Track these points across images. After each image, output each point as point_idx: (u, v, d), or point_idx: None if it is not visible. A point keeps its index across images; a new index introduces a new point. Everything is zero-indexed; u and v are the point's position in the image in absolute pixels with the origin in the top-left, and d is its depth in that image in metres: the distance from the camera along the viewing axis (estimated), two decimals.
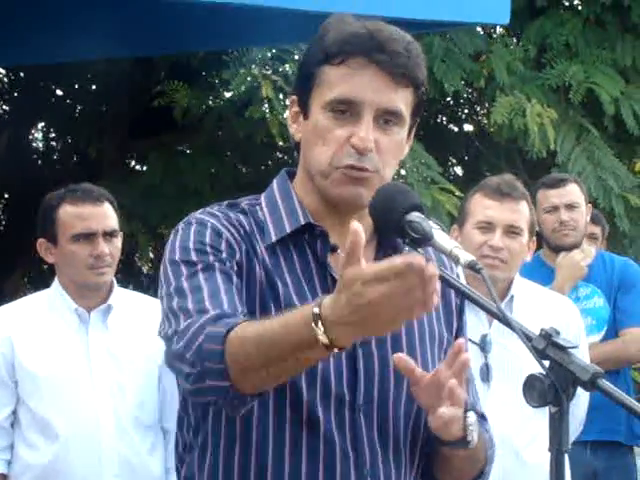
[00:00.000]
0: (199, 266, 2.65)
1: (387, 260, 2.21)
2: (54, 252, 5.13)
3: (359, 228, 2.18)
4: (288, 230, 2.69)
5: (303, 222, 2.70)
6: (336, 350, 2.30)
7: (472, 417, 2.61)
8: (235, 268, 2.69)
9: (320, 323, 2.25)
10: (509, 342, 4.46)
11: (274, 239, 2.70)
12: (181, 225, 2.80)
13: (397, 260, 2.16)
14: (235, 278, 2.69)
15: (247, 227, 2.79)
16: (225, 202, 2.85)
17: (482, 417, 2.94)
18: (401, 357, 2.52)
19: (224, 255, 2.68)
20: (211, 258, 2.65)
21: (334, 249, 2.68)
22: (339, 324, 2.25)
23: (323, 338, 2.24)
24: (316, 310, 2.25)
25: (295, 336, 2.35)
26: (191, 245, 2.67)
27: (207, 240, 2.68)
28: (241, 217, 2.79)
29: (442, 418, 2.47)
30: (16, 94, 14.85)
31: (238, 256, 2.70)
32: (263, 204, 2.78)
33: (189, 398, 2.70)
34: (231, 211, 2.82)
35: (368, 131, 2.58)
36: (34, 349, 5.00)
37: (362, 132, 2.57)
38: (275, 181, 2.86)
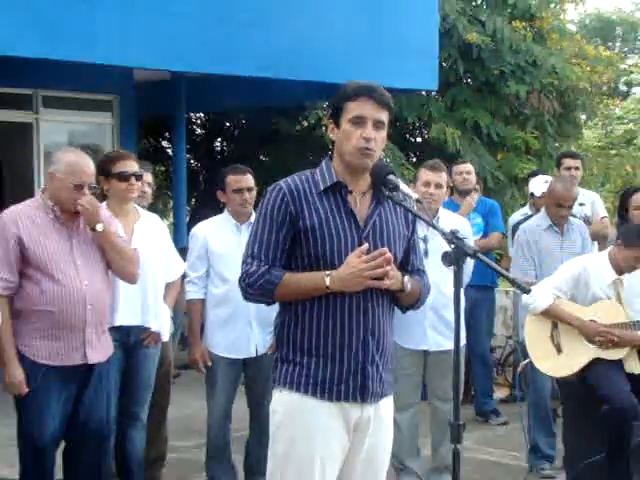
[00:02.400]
0: (267, 227, 3.56)
1: (355, 259, 3.41)
2: (224, 197, 6.18)
3: (363, 250, 3.41)
4: (328, 184, 3.54)
5: (335, 180, 3.54)
6: (328, 291, 3.42)
7: (406, 278, 3.60)
8: (286, 221, 3.54)
9: (328, 278, 3.42)
10: (437, 238, 5.39)
11: (322, 188, 3.55)
12: (267, 194, 3.63)
13: (357, 261, 3.40)
14: (285, 228, 3.55)
15: (304, 185, 3.60)
16: (301, 172, 3.67)
17: (423, 272, 3.86)
18: (385, 250, 3.46)
19: (281, 217, 3.53)
20: (271, 225, 3.56)
21: (350, 192, 3.56)
22: (339, 279, 3.42)
23: (329, 283, 3.42)
24: (327, 272, 3.43)
25: (312, 283, 3.49)
26: (265, 213, 3.57)
27: (272, 213, 3.56)
28: (308, 177, 3.63)
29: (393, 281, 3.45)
30: (208, 125, 16.15)
31: (293, 209, 3.54)
32: (317, 172, 3.61)
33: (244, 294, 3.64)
34: (303, 175, 3.65)
35: (371, 131, 3.47)
36: (216, 242, 6.07)
37: (368, 131, 3.48)
38: (324, 161, 3.65)
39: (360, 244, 3.45)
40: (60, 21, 7.87)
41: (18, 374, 4.86)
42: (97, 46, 8.09)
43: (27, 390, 4.89)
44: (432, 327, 6.08)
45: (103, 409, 5.19)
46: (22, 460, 5.10)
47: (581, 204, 7.99)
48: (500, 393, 9.10)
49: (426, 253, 5.49)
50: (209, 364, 6.01)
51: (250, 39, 9.05)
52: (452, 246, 3.38)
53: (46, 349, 4.91)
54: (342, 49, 9.39)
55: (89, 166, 5.05)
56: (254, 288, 3.50)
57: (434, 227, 3.83)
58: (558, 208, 6.93)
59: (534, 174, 9.66)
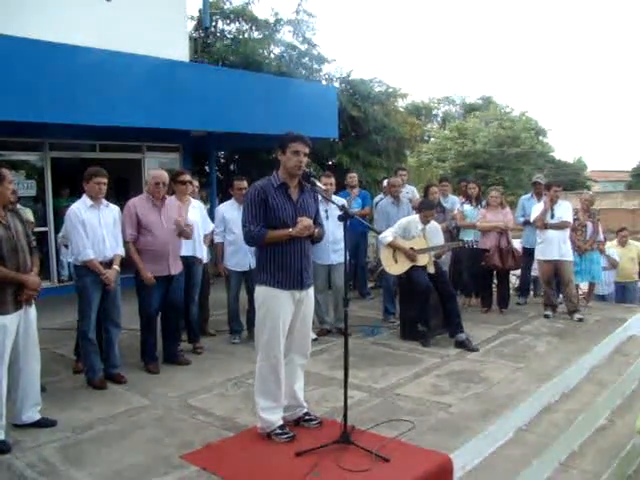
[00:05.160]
0: (253, 208, 3.24)
1: (305, 219, 3.14)
2: (232, 192, 5.63)
3: (309, 223, 3.09)
4: (279, 183, 3.23)
5: (281, 181, 3.22)
6: (293, 237, 3.14)
7: (317, 228, 3.34)
8: (262, 203, 3.21)
9: (292, 229, 3.12)
10: (335, 209, 4.87)
11: (275, 186, 3.23)
12: (251, 190, 3.30)
13: (308, 220, 3.12)
14: (262, 207, 3.22)
15: (267, 185, 3.25)
16: (264, 178, 3.28)
17: (321, 225, 3.49)
18: (307, 218, 3.21)
19: (259, 202, 3.22)
20: (255, 207, 3.23)
21: (289, 187, 3.25)
22: (297, 231, 3.14)
23: (293, 233, 3.15)
24: (291, 229, 3.15)
25: (283, 234, 3.18)
26: (251, 200, 3.24)
27: (255, 200, 3.22)
28: (268, 181, 3.29)
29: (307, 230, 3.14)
30: (226, 157, 13.38)
31: (264, 197, 3.21)
32: (272, 178, 3.28)
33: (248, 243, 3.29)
34: (266, 180, 3.30)
35: (302, 158, 3.17)
36: (228, 213, 5.64)
37: (300, 158, 3.16)
38: (274, 172, 3.29)
39: (295, 213, 3.29)
40: (164, 110, 7.50)
41: (148, 276, 4.82)
42: (178, 120, 7.65)
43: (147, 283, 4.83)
44: (332, 252, 5.80)
45: (178, 295, 5.08)
46: (141, 320, 4.96)
47: (407, 192, 7.66)
48: (370, 284, 8.69)
49: (328, 217, 5.26)
50: (227, 274, 5.73)
51: (250, 114, 8.27)
52: (342, 212, 3.24)
53: (151, 267, 4.79)
54: (294, 120, 8.37)
55: (164, 176, 4.89)
56: (253, 239, 3.29)
57: (331, 202, 3.92)
58: (394, 192, 6.69)
59: (385, 178, 9.28)
